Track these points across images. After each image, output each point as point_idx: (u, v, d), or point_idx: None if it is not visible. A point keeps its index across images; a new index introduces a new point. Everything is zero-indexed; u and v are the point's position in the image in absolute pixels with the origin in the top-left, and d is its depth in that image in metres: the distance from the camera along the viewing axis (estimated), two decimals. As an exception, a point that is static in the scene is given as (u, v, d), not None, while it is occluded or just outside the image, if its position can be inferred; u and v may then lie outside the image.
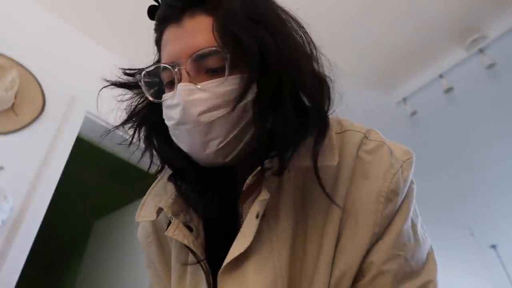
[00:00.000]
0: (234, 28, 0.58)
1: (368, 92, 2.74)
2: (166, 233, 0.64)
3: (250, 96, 0.58)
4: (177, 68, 0.60)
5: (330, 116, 0.65)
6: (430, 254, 0.65)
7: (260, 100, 0.59)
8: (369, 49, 2.45)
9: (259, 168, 0.59)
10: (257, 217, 0.58)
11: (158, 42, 0.67)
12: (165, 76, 0.63)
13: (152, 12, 0.68)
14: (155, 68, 0.64)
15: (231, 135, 0.59)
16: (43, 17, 2.21)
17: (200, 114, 0.57)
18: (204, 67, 0.59)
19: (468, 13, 2.27)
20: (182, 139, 0.61)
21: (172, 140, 0.64)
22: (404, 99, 2.76)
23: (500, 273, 4.43)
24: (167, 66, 0.61)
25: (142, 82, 0.65)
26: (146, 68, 0.65)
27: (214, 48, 0.58)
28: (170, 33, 0.63)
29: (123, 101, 0.71)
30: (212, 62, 0.59)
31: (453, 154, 3.30)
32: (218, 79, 0.58)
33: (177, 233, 0.64)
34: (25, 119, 1.84)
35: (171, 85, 0.61)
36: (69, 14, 2.28)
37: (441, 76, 2.59)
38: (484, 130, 3.05)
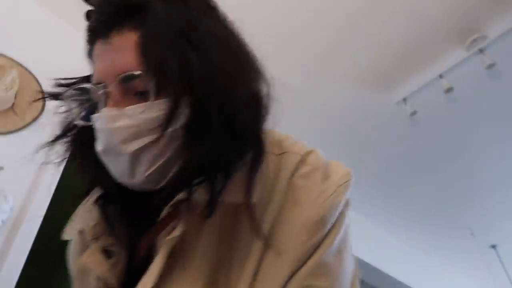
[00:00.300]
0: (157, 47, 0.53)
1: (368, 92, 2.74)
2: (79, 260, 0.60)
3: (180, 121, 0.53)
4: (103, 90, 0.55)
5: (272, 135, 0.61)
6: (353, 279, 0.59)
7: (190, 125, 0.54)
8: (369, 49, 2.45)
9: (176, 199, 0.54)
10: (167, 255, 0.53)
11: (90, 55, 0.61)
12: (94, 97, 0.58)
13: (89, 18, 0.62)
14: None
15: (159, 163, 0.54)
16: (43, 17, 2.21)
17: (123, 142, 0.53)
18: (132, 89, 0.55)
19: (468, 13, 2.27)
20: (109, 166, 0.57)
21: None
22: (404, 99, 2.76)
23: (500, 273, 4.42)
24: (93, 87, 0.57)
25: (69, 101, 0.61)
26: (73, 86, 0.61)
27: (138, 72, 0.53)
28: (98, 49, 0.57)
29: (59, 113, 0.65)
30: (139, 85, 0.54)
31: (453, 154, 3.30)
32: (143, 104, 0.54)
33: (91, 260, 0.59)
34: (25, 119, 1.84)
35: (98, 105, 0.57)
36: (69, 14, 2.28)
37: (441, 76, 2.59)
38: (484, 130, 3.05)
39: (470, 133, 3.09)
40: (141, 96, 0.54)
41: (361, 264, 3.84)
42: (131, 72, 0.53)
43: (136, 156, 0.53)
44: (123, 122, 0.53)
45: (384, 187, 3.75)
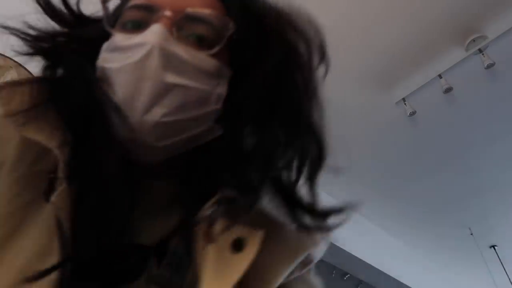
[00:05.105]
0: (255, 9, 0.49)
1: (368, 92, 2.74)
2: (53, 198, 0.42)
3: (220, 90, 0.47)
4: (156, 14, 0.46)
5: None
6: None
7: (243, 103, 0.48)
8: (369, 49, 2.45)
9: (217, 196, 0.46)
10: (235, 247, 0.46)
11: None
12: (130, 14, 0.48)
13: None
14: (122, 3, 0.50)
15: (182, 115, 0.44)
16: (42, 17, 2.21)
17: (166, 68, 0.43)
18: (191, 30, 0.47)
19: (467, 13, 2.27)
20: (125, 86, 0.43)
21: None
22: (404, 99, 2.76)
23: (499, 273, 4.43)
24: (148, 6, 0.47)
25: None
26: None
27: (219, 17, 0.48)
28: None
29: None
30: (202, 29, 0.47)
31: (452, 154, 3.30)
32: (204, 51, 0.46)
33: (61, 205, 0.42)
34: (24, 120, 1.84)
35: (135, 26, 0.47)
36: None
37: (440, 76, 2.59)
38: (483, 130, 3.06)
39: (469, 133, 3.09)
40: (197, 42, 0.46)
41: (361, 264, 3.84)
42: (204, 12, 0.47)
43: (167, 91, 0.43)
44: (178, 51, 0.44)
45: (383, 187, 3.75)
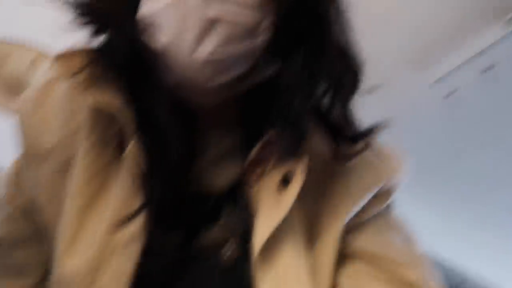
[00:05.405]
0: None
1: (401, 73, 2.70)
2: (127, 151, 0.49)
3: (266, 23, 0.45)
4: None
5: None
6: None
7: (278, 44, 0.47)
8: (402, 28, 2.41)
9: (264, 138, 0.48)
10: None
11: None
12: None
13: None
14: None
15: (229, 52, 0.44)
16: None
17: (210, 3, 0.42)
18: None
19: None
20: (168, 27, 0.43)
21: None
22: (439, 79, 2.70)
23: None
24: None
25: None
26: None
27: None
28: None
29: None
30: None
31: (493, 137, 3.20)
32: None
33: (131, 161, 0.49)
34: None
35: None
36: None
37: (478, 54, 2.52)
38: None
39: None
40: None
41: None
42: None
43: (212, 26, 0.42)
44: None
45: (420, 169, 3.68)
